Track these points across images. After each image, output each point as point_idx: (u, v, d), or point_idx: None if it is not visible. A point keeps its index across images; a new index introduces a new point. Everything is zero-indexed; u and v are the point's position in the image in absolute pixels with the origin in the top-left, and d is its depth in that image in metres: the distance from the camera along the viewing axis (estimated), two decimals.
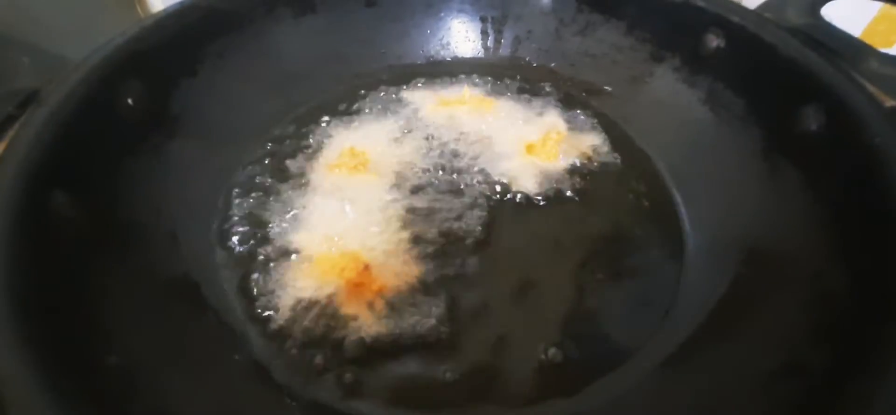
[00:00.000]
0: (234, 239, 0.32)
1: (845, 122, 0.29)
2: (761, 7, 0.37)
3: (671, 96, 0.40)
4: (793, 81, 0.33)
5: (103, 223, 0.28)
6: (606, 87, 0.43)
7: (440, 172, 0.37)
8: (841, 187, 0.29)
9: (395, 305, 0.29)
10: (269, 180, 0.36)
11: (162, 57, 0.33)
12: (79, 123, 0.28)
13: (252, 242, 0.32)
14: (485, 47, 0.47)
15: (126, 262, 0.28)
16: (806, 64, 0.32)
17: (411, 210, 0.34)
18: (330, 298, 0.30)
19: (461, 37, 0.46)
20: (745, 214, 0.33)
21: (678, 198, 0.36)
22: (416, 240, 0.33)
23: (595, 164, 0.38)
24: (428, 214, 0.34)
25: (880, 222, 0.25)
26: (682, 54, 0.39)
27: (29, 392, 0.16)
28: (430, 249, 0.32)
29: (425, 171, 0.37)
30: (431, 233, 0.33)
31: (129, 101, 0.32)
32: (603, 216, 0.35)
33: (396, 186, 0.35)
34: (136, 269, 0.28)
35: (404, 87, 0.43)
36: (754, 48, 0.35)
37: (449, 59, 0.46)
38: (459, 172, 0.37)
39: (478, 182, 0.36)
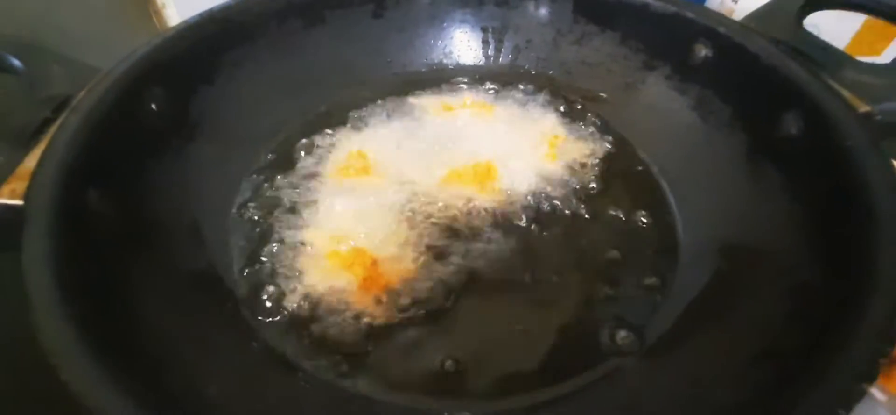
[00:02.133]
0: (250, 235, 0.34)
1: (821, 126, 0.31)
2: (747, 19, 0.39)
3: (663, 103, 0.42)
4: (774, 89, 0.35)
5: (131, 220, 0.30)
6: (602, 94, 0.45)
7: (443, 174, 0.39)
8: (817, 187, 0.31)
9: (401, 299, 0.31)
10: (282, 181, 0.38)
11: (182, 65, 0.36)
12: (108, 127, 0.30)
13: (266, 237, 0.34)
14: (486, 56, 0.49)
15: (152, 255, 0.30)
16: (786, 73, 0.34)
17: (415, 210, 0.36)
18: (340, 291, 0.32)
19: (463, 46, 0.49)
20: (730, 212, 0.35)
21: (671, 199, 0.38)
22: (421, 238, 0.35)
23: (592, 166, 0.40)
24: (431, 213, 0.36)
25: (851, 219, 0.27)
26: (672, 63, 0.42)
27: (80, 366, 0.19)
28: (433, 247, 0.34)
29: (429, 172, 0.39)
30: (435, 231, 0.35)
31: (153, 106, 0.34)
32: (600, 215, 0.37)
33: (401, 186, 0.37)
34: (162, 262, 0.30)
35: (409, 93, 0.45)
36: (740, 58, 0.37)
37: (451, 66, 0.48)
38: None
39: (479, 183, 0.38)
